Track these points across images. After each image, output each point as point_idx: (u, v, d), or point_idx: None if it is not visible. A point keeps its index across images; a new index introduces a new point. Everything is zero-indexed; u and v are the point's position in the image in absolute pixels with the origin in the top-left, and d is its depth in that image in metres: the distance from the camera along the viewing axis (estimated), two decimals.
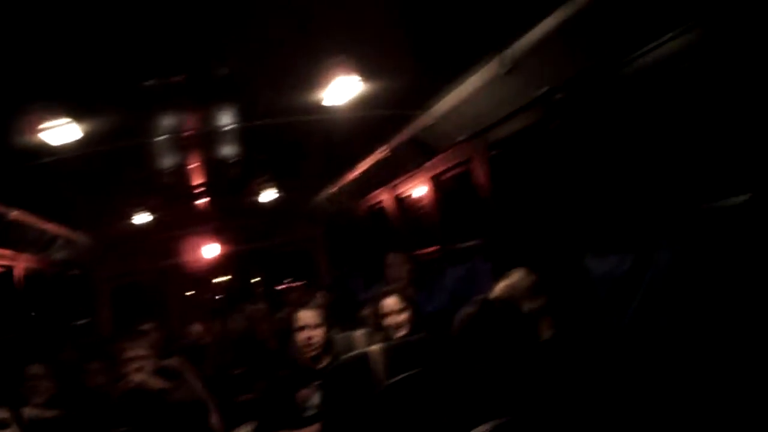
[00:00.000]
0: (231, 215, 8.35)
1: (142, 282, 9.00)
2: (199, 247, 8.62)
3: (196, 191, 6.56)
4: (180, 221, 8.11)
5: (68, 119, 3.31)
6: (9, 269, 5.46)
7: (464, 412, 2.17)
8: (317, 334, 3.71)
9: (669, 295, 2.65)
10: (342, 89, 3.59)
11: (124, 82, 3.20)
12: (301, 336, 3.71)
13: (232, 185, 6.59)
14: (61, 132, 3.35)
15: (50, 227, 5.88)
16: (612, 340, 2.78)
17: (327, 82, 3.52)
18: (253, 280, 10.57)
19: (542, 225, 3.74)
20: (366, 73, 3.49)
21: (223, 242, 8.75)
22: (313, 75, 3.47)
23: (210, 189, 6.58)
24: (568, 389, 2.15)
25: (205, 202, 7.25)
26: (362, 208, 7.05)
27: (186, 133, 4.41)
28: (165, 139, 4.35)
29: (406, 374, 2.76)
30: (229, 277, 10.46)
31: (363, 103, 3.89)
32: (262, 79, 3.50)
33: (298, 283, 9.02)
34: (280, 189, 6.91)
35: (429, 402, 2.58)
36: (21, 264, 5.65)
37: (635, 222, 2.93)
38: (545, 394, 2.07)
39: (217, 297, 10.82)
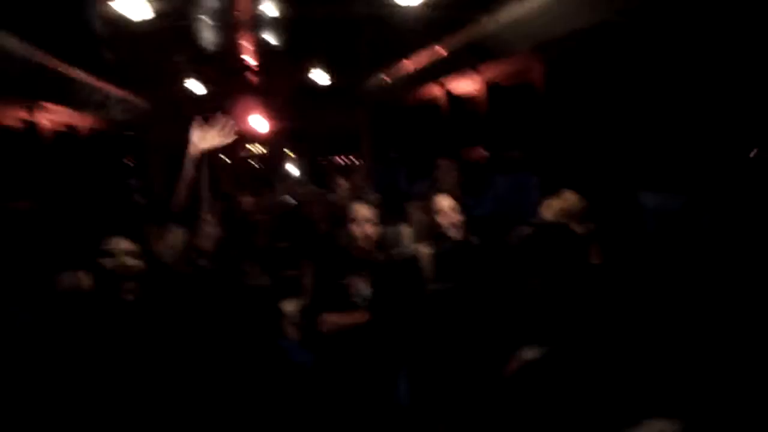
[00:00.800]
0: (282, 92, 8.40)
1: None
2: (250, 120, 8.74)
3: (251, 68, 6.63)
4: (233, 94, 8.21)
5: None
6: (73, 128, 5.69)
7: (510, 330, 2.30)
8: (372, 231, 3.83)
9: (720, 246, 2.70)
10: None
11: None
12: (357, 229, 3.81)
13: (286, 65, 6.63)
14: (132, 4, 3.44)
15: (110, 89, 6.04)
16: (659, 273, 2.84)
17: None
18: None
19: (595, 150, 3.73)
20: None
21: (272, 117, 8.85)
22: None
23: (264, 67, 6.64)
24: (614, 319, 2.20)
25: (259, 79, 7.33)
26: (412, 99, 7.02)
27: (244, 16, 4.42)
28: (225, 20, 4.39)
29: (454, 283, 2.83)
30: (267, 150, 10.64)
31: (428, 2, 3.82)
32: None
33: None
34: (332, 73, 6.90)
35: (475, 314, 2.68)
36: (84, 122, 5.89)
37: (690, 165, 2.92)
38: (593, 324, 2.12)
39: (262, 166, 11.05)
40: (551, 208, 2.96)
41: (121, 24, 4.00)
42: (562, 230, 2.42)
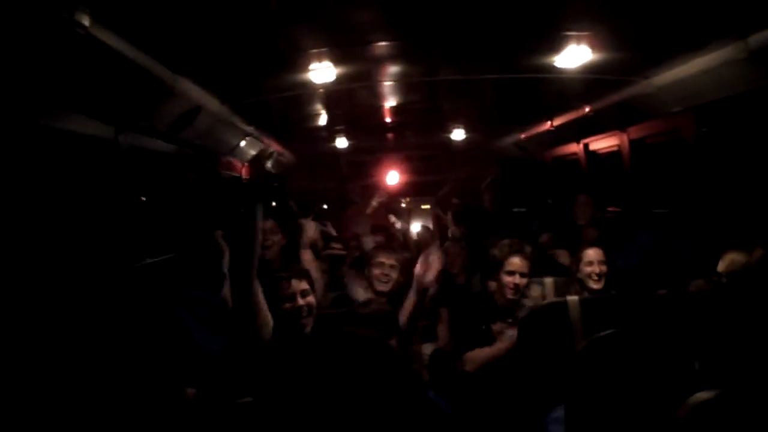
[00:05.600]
0: (416, 148, 8.85)
1: (323, 199, 9.83)
2: (382, 173, 9.22)
3: (392, 126, 7.06)
4: (370, 149, 8.74)
5: (330, 64, 3.88)
6: (239, 179, 6.33)
7: (677, 376, 2.42)
8: (523, 282, 4.07)
9: None
10: (570, 57, 3.81)
11: (370, 39, 3.63)
12: (509, 279, 4.02)
13: (426, 123, 7.02)
14: (322, 73, 3.96)
15: (271, 143, 6.68)
16: None
17: (557, 49, 3.76)
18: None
19: (750, 211, 3.80)
20: (596, 44, 3.67)
21: (404, 171, 9.31)
22: (544, 42, 3.71)
23: (404, 125, 7.06)
24: None
25: (396, 136, 7.79)
26: (548, 157, 7.24)
27: (403, 82, 4.84)
28: (384, 84, 4.85)
29: (614, 331, 2.96)
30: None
31: (585, 68, 4.07)
32: (493, 41, 3.78)
33: None
34: (470, 131, 7.24)
35: (638, 362, 2.80)
36: (245, 173, 6.52)
37: None
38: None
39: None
40: (733, 262, 3.08)
41: (293, 89, 4.50)
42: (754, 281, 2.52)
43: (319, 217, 7.74)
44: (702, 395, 1.97)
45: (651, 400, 2.63)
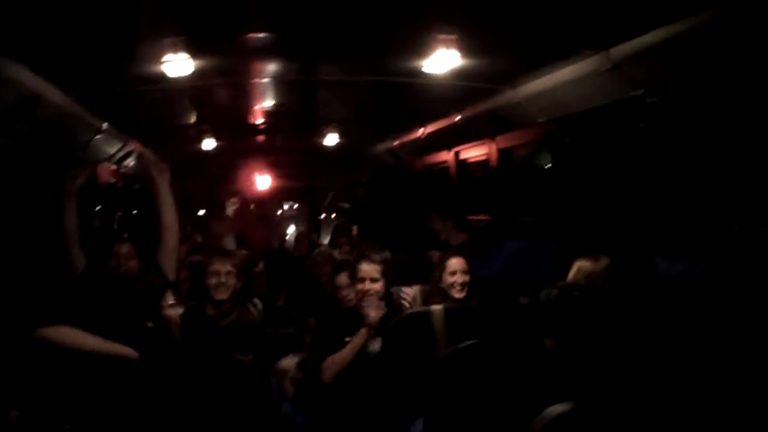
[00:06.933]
0: (288, 152, 8.62)
1: (192, 203, 9.35)
2: (253, 178, 8.93)
3: (264, 128, 6.80)
4: (240, 152, 8.40)
5: (187, 55, 3.57)
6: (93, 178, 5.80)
7: (536, 388, 2.39)
8: (376, 288, 3.93)
9: (730, 312, 2.83)
10: (440, 61, 3.77)
11: (235, 30, 3.40)
12: (359, 287, 3.86)
13: (299, 126, 6.83)
14: (178, 65, 3.64)
15: (129, 142, 6.20)
16: (670, 338, 2.99)
17: (427, 53, 3.70)
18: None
19: (611, 217, 3.92)
20: (465, 50, 3.65)
21: (278, 176, 9.06)
22: (414, 44, 3.64)
23: (276, 127, 6.81)
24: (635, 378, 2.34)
25: (267, 138, 7.53)
26: (419, 164, 7.26)
27: (272, 79, 4.62)
28: (254, 81, 4.61)
29: (475, 342, 2.92)
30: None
31: (454, 75, 4.05)
32: (364, 41, 3.66)
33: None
34: (343, 136, 7.13)
35: (497, 373, 2.76)
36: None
37: (706, 233, 3.11)
38: (617, 380, 2.27)
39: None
40: (580, 270, 3.13)
41: (149, 82, 4.17)
42: (587, 292, 2.57)
43: (197, 227, 7.35)
44: (556, 409, 1.95)
45: (509, 411, 2.59)
